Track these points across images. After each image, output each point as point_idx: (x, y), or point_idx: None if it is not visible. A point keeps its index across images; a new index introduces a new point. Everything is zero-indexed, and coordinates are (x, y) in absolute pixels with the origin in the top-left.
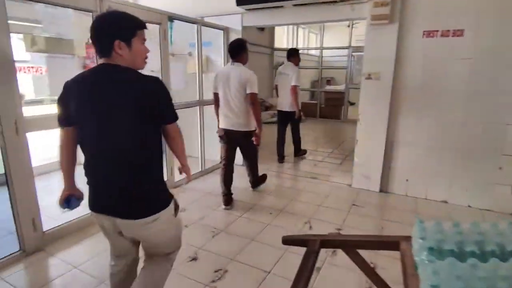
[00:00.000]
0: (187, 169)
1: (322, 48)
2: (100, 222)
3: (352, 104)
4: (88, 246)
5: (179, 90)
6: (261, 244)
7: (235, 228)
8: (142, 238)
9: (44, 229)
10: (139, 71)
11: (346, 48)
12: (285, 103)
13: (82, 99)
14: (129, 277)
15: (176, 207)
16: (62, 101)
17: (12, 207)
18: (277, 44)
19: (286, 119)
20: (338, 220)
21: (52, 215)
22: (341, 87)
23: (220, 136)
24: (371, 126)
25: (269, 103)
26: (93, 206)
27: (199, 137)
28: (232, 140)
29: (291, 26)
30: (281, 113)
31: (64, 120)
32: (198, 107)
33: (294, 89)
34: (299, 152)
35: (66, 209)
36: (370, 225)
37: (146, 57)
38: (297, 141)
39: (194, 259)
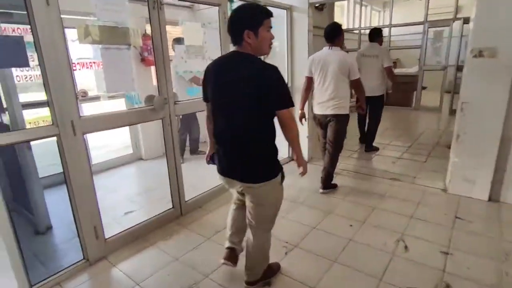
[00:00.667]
0: (301, 161)
1: (391, 26)
2: (225, 182)
3: (424, 88)
4: (150, 257)
5: None
6: (345, 267)
7: (309, 243)
8: (251, 198)
9: (106, 236)
10: (264, 56)
11: (421, 24)
12: (372, 86)
13: (215, 80)
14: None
15: (283, 177)
16: (204, 81)
17: (73, 214)
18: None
19: (373, 106)
20: (441, 238)
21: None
22: (412, 70)
23: (318, 124)
24: (480, 117)
25: None
26: (219, 169)
27: None
28: (325, 125)
29: (351, 5)
30: (368, 100)
31: (205, 97)
32: None
33: (391, 70)
34: (372, 148)
35: (211, 164)
36: (489, 249)
37: (271, 43)
38: (373, 132)
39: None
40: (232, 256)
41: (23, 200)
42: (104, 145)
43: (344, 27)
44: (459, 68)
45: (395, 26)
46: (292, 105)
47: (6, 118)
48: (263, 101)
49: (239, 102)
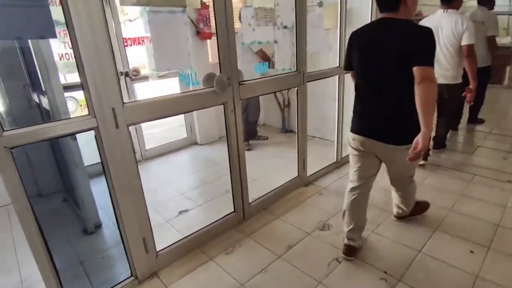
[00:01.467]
0: (423, 137)
1: None
2: (359, 144)
3: None
4: (209, 278)
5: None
6: None
7: (416, 274)
8: (392, 161)
9: (158, 248)
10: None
11: None
12: (480, 58)
13: (365, 47)
14: (363, 199)
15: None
16: (348, 50)
17: (118, 224)
18: None
19: (483, 77)
20: None
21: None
22: (505, 41)
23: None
24: None
25: None
26: (358, 130)
27: (337, 116)
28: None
29: None
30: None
31: (348, 66)
32: (337, 77)
33: (493, 40)
34: (477, 120)
35: None
36: None
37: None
38: (479, 105)
39: None
40: (352, 252)
41: (69, 193)
42: (161, 123)
43: None
44: None
45: None
46: (430, 64)
47: (45, 102)
48: (407, 60)
49: (386, 65)
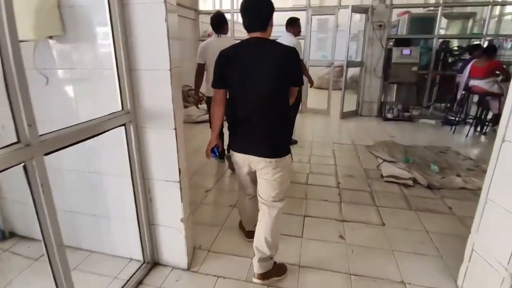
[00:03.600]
0: None
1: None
2: (238, 160)
3: None
4: None
5: None
6: None
7: None
8: (274, 173)
9: None
10: None
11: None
12: None
13: (242, 63)
14: (253, 205)
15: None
16: (222, 67)
17: None
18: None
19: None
20: None
21: None
22: None
23: None
24: None
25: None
26: (240, 148)
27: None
28: None
29: None
30: None
31: (220, 83)
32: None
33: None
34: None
35: (214, 157)
36: None
37: None
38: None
39: None
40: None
41: None
42: None
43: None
44: None
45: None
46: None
47: None
48: (288, 78)
49: (268, 83)
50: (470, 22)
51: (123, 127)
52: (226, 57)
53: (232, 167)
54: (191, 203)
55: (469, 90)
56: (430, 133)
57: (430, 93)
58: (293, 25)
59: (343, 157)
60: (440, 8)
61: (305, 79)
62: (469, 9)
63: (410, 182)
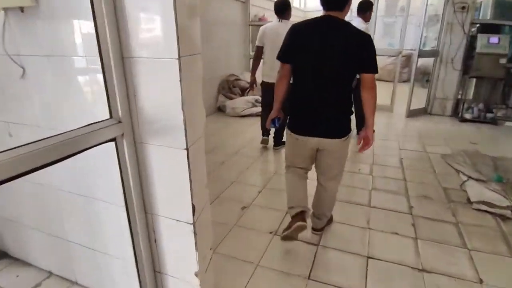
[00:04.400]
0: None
1: None
2: (299, 140)
3: None
4: None
5: None
6: None
7: None
8: (333, 153)
9: None
10: None
11: None
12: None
13: (312, 42)
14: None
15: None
16: (288, 40)
17: None
18: None
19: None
20: None
21: None
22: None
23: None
24: None
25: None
26: (299, 130)
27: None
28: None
29: None
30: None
31: (287, 57)
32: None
33: None
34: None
35: (273, 127)
36: None
37: None
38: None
39: None
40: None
41: None
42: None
43: None
44: None
45: None
46: (377, 71)
47: None
48: (358, 62)
49: (339, 64)
50: None
51: (113, 143)
52: (298, 31)
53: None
54: (221, 225)
55: None
56: None
57: None
58: (365, 10)
59: (414, 169)
60: None
61: None
62: None
63: (509, 214)
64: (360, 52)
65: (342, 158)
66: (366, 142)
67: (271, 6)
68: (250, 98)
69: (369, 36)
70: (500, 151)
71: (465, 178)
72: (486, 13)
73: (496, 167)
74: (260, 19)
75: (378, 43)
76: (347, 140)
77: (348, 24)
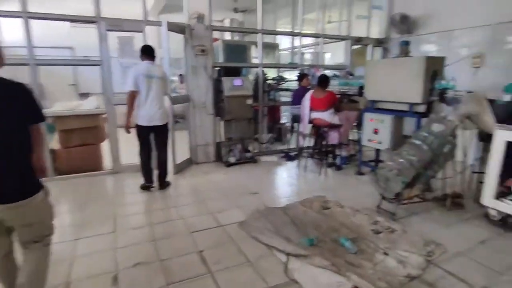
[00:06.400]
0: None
1: None
2: None
3: None
4: None
5: None
6: None
7: None
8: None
9: None
10: None
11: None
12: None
13: None
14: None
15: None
16: None
17: None
18: None
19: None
20: None
21: None
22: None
23: None
24: None
25: None
26: None
27: None
28: None
29: None
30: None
31: None
32: None
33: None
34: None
35: None
36: None
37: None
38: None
39: None
40: None
41: None
42: None
43: None
44: None
45: None
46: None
47: None
48: (21, 114)
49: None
50: (276, 52)
51: None
52: None
53: None
54: None
55: (311, 122)
56: (287, 177)
57: (263, 127)
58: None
59: (218, 257)
60: (259, 35)
61: None
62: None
63: None
64: (20, 103)
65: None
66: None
67: None
68: None
69: (23, 84)
70: (277, 194)
71: (281, 255)
72: (219, 57)
73: (296, 224)
74: None
75: (118, 86)
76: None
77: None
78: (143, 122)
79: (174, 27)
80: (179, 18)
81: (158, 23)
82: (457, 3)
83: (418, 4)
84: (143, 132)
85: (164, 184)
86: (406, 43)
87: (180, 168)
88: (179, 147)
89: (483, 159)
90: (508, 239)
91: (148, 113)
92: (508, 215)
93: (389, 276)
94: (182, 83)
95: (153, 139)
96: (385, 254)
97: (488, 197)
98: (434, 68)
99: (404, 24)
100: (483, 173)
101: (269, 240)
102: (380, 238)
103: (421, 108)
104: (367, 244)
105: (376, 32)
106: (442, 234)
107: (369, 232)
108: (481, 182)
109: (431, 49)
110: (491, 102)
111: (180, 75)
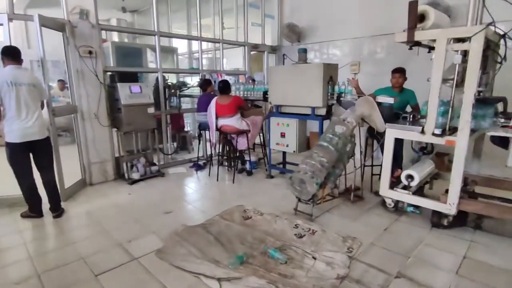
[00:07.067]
0: None
1: None
2: None
3: None
4: None
5: None
6: None
7: None
8: None
9: None
10: None
11: None
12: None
13: None
14: None
15: None
16: None
17: None
18: None
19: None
20: None
21: None
22: None
23: None
24: None
25: None
26: None
27: None
28: None
29: None
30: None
31: None
32: None
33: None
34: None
35: None
36: None
37: None
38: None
39: None
40: None
41: None
42: None
43: None
44: None
45: None
46: None
47: None
48: None
49: None
50: (174, 57)
51: None
52: None
53: None
54: None
55: (219, 129)
56: (200, 188)
57: (168, 136)
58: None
59: None
60: (156, 37)
61: None
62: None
63: None
64: None
65: None
66: None
67: None
68: None
69: None
70: (196, 212)
71: (212, 282)
72: (111, 61)
73: (221, 243)
74: None
75: None
76: None
77: None
78: (16, 139)
79: (50, 23)
80: (56, 13)
81: (29, 18)
82: (334, 18)
83: (303, 16)
84: (18, 151)
85: (59, 210)
86: (304, 50)
87: (71, 193)
88: (67, 166)
89: (366, 154)
90: (403, 222)
91: (23, 126)
92: (397, 201)
93: (322, 281)
94: (62, 90)
95: (33, 159)
96: (314, 258)
97: (384, 188)
98: (329, 73)
99: (293, 33)
100: (374, 166)
101: (195, 267)
102: (304, 242)
103: (322, 111)
104: (295, 251)
105: (270, 39)
106: (353, 228)
107: (293, 237)
108: (374, 175)
109: (317, 56)
110: (379, 104)
111: (60, 80)
